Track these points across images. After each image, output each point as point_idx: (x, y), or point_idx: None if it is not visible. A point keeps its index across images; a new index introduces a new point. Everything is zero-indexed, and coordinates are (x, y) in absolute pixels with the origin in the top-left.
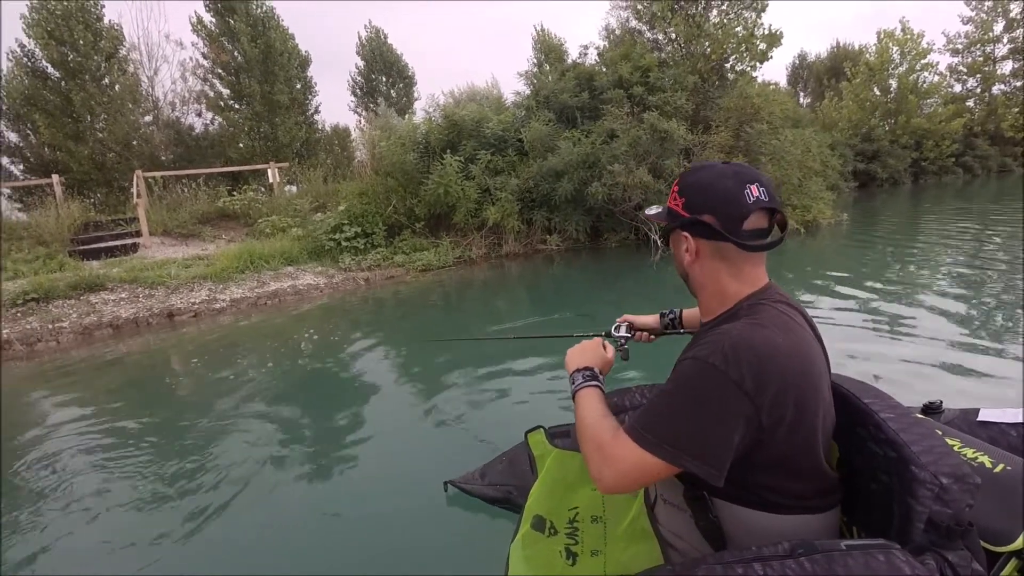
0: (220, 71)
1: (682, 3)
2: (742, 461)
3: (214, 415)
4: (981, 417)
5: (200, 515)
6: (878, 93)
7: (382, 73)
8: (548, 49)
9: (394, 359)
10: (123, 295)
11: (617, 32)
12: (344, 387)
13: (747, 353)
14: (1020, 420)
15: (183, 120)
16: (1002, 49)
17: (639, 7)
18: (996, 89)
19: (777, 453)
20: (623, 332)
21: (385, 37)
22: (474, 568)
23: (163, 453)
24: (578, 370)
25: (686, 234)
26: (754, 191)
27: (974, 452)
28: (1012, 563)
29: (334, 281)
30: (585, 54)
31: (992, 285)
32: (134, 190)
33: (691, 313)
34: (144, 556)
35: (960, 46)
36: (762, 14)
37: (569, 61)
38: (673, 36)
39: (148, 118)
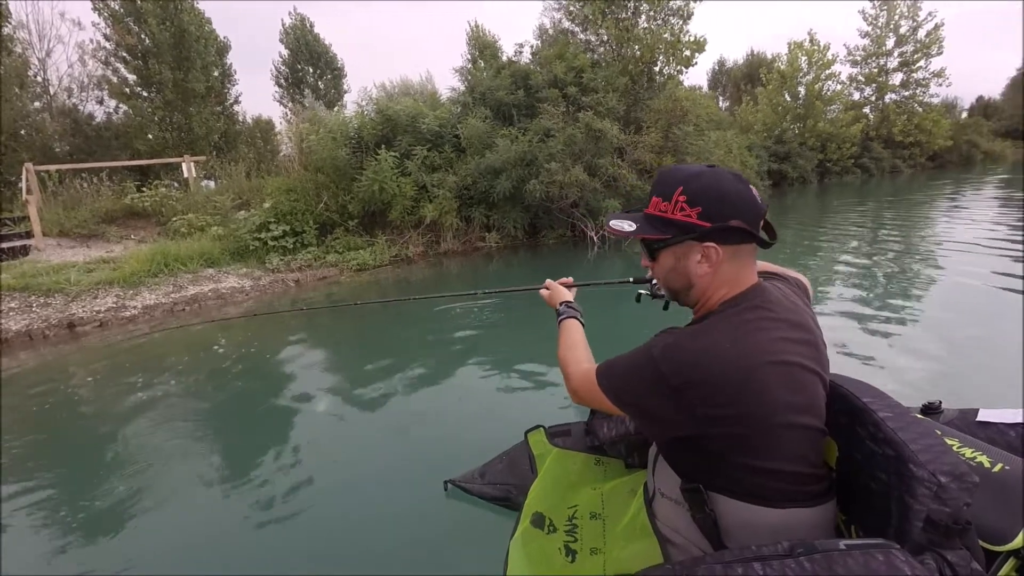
0: (125, 55)
1: (613, 7)
2: (725, 456)
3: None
4: (980, 417)
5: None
6: (789, 99)
7: (308, 64)
8: (482, 46)
9: (356, 361)
10: (13, 304)
11: (551, 32)
12: (311, 391)
13: (679, 357)
14: (1019, 420)
15: (81, 108)
16: (893, 62)
17: (572, 8)
18: (888, 98)
19: (737, 443)
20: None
21: (311, 26)
22: (474, 567)
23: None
24: (562, 303)
25: (710, 244)
26: (755, 192)
27: (972, 452)
28: (1010, 562)
29: (261, 283)
30: (520, 52)
31: (887, 267)
32: (23, 185)
33: None
34: None
35: (858, 58)
36: (688, 22)
37: (504, 59)
38: (605, 38)
39: (37, 104)
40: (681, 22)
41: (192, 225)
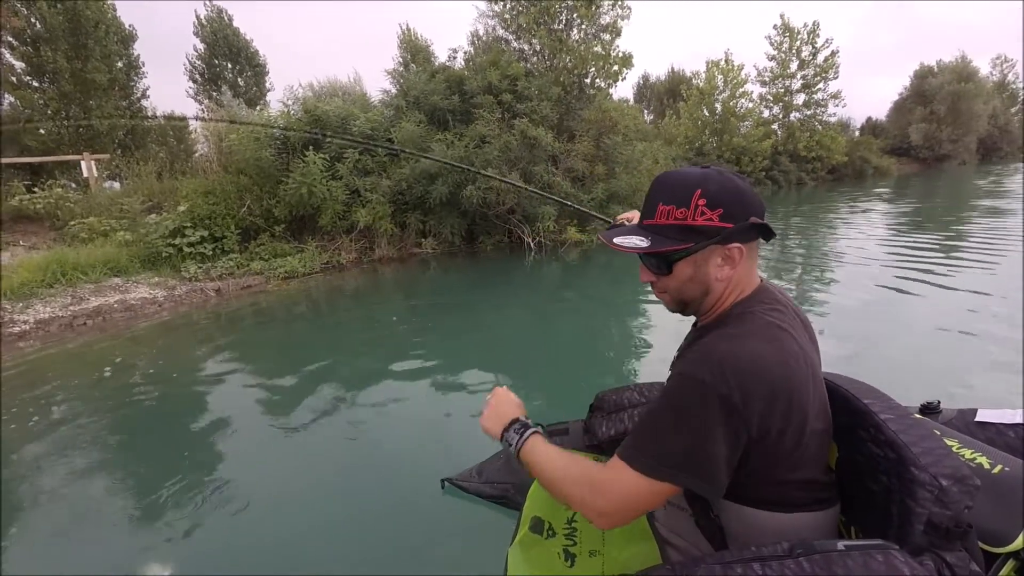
0: (11, 40)
1: (546, 18)
2: (740, 465)
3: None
4: (979, 417)
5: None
6: (707, 114)
7: (227, 59)
8: (415, 50)
9: (353, 361)
10: None
11: (485, 39)
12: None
13: (733, 367)
14: (1018, 420)
15: None
16: (797, 83)
17: (506, 17)
18: (793, 116)
19: (772, 457)
20: None
21: (230, 19)
22: (471, 566)
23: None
24: (506, 428)
25: (735, 244)
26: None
27: (972, 453)
28: (1010, 564)
29: (176, 293)
30: (455, 58)
31: (797, 270)
32: None
33: None
34: None
35: (767, 78)
36: (617, 37)
37: (437, 63)
38: (538, 48)
39: None
40: (611, 37)
41: (94, 230)
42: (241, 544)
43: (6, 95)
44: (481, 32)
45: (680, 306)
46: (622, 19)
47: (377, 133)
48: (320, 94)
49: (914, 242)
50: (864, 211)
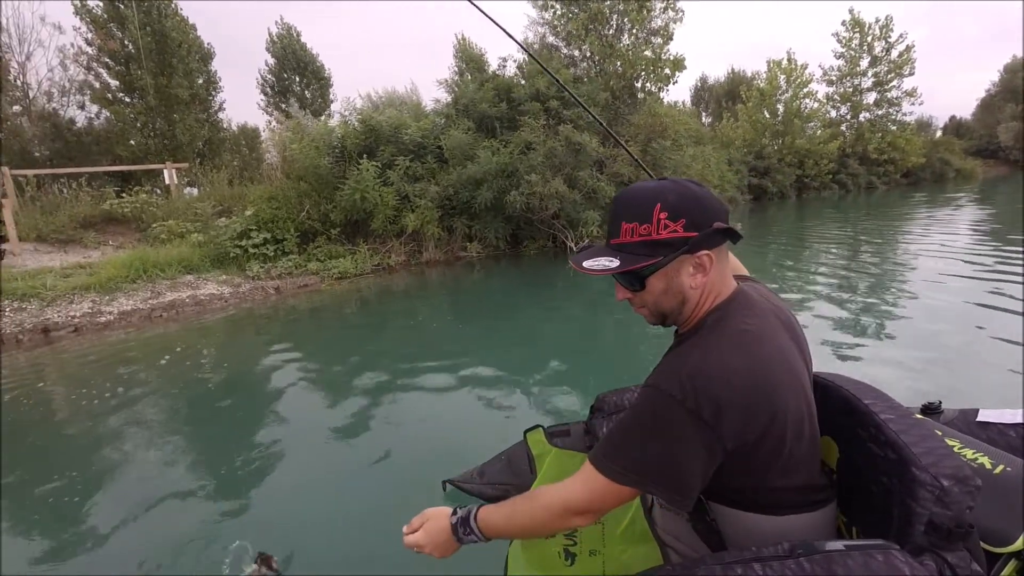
0: (107, 60)
1: (596, 24)
2: (727, 472)
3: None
4: (980, 417)
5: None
6: (768, 116)
7: (295, 72)
8: (469, 59)
9: (351, 362)
10: None
11: (536, 46)
12: (317, 390)
13: (704, 382)
14: (1019, 420)
15: (62, 112)
16: (867, 82)
17: (555, 24)
18: (863, 116)
19: (760, 464)
20: None
21: (298, 35)
22: (472, 568)
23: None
24: (454, 531)
25: (704, 252)
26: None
27: (973, 453)
28: (1012, 564)
29: (240, 290)
30: (504, 66)
31: (865, 286)
32: None
33: None
34: None
35: (834, 77)
36: (669, 41)
37: (489, 72)
38: (588, 53)
39: (17, 108)
40: (662, 41)
41: (172, 231)
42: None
43: (102, 110)
44: (532, 39)
45: (660, 318)
46: (674, 22)
47: (427, 141)
48: (378, 105)
49: (997, 252)
50: (939, 217)
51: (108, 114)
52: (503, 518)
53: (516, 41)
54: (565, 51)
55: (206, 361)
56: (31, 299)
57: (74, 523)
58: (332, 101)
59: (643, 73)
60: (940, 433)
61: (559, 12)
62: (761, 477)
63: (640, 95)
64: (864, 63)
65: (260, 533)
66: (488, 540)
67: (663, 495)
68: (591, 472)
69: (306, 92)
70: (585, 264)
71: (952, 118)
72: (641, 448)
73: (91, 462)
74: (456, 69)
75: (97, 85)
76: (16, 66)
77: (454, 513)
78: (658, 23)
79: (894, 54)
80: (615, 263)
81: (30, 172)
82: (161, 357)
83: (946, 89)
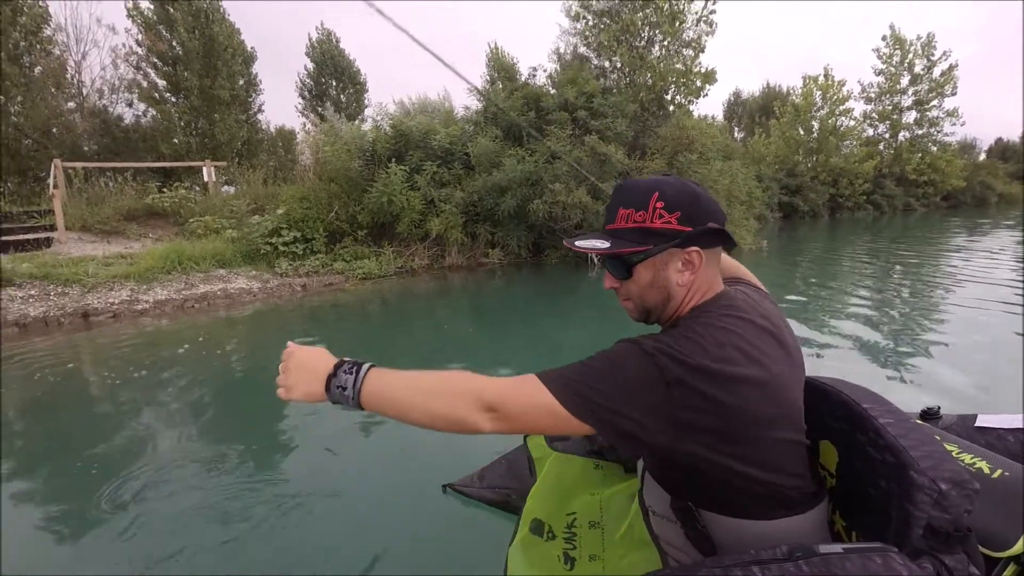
0: (156, 60)
1: (628, 35)
2: (706, 472)
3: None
4: (979, 423)
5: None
6: (802, 132)
7: (332, 77)
8: (501, 67)
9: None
10: (32, 292)
11: (567, 56)
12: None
13: (676, 354)
14: (1018, 426)
15: (111, 109)
16: (907, 100)
17: (587, 35)
18: (902, 136)
19: (726, 459)
20: None
21: (337, 41)
22: (473, 571)
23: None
24: (332, 375)
25: (694, 248)
26: None
27: (972, 458)
28: (1011, 568)
29: (269, 286)
30: (534, 75)
31: (898, 309)
32: (51, 181)
33: None
34: None
35: (872, 95)
36: (701, 53)
37: (520, 80)
38: (619, 64)
39: (71, 104)
40: (694, 53)
41: (208, 227)
42: (239, 545)
43: (149, 108)
44: (563, 49)
45: (643, 314)
46: (706, 35)
47: (455, 147)
48: (410, 111)
49: None
50: (978, 242)
51: (154, 112)
52: (400, 380)
53: (468, 81)
54: (596, 62)
55: (229, 351)
56: (73, 284)
57: (89, 497)
58: (367, 106)
59: (673, 85)
60: (939, 438)
61: (591, 23)
62: (726, 472)
63: (671, 107)
64: (904, 81)
65: (260, 533)
66: (360, 404)
67: (603, 431)
68: (533, 381)
69: (342, 96)
70: (578, 243)
71: (998, 140)
72: (599, 382)
73: (122, 438)
74: (488, 78)
75: (145, 84)
76: (73, 64)
77: (344, 364)
78: (690, 35)
79: (936, 72)
80: (605, 245)
81: (79, 165)
82: (192, 344)
83: (992, 109)
